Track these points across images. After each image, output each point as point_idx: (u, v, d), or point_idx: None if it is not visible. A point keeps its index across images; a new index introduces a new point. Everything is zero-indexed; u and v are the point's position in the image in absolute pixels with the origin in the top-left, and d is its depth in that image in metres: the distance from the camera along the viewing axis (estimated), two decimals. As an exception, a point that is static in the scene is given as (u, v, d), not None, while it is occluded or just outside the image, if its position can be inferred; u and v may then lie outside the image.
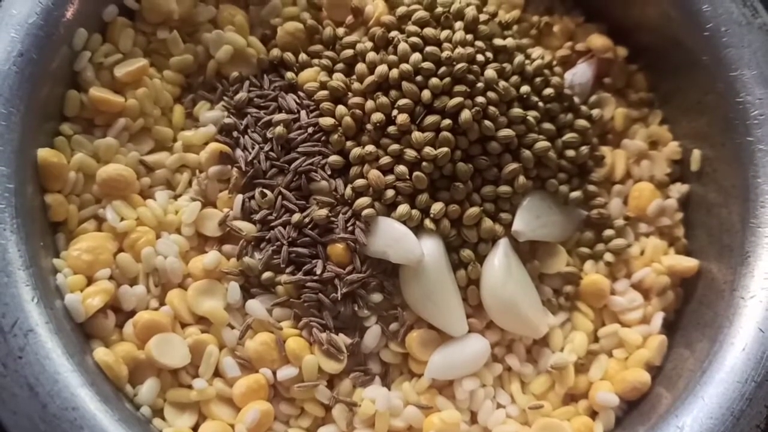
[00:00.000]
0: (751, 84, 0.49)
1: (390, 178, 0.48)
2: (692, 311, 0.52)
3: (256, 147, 0.50)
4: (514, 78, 0.51)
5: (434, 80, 0.48)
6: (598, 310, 0.52)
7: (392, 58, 0.49)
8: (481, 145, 0.49)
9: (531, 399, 0.50)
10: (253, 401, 0.46)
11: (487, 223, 0.49)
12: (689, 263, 0.52)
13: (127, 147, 0.50)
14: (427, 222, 0.48)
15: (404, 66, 0.48)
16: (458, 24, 0.50)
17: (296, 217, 0.48)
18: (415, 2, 0.51)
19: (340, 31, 0.53)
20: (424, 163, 0.48)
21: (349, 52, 0.51)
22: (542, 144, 0.50)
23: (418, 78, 0.48)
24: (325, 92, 0.51)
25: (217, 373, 0.47)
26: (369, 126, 0.49)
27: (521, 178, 0.50)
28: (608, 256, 0.52)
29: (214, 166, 0.50)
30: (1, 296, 0.42)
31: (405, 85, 0.48)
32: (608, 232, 0.53)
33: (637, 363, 0.50)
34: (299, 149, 0.50)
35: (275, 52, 0.53)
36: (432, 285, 0.48)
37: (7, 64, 0.44)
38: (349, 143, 0.50)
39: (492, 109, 0.49)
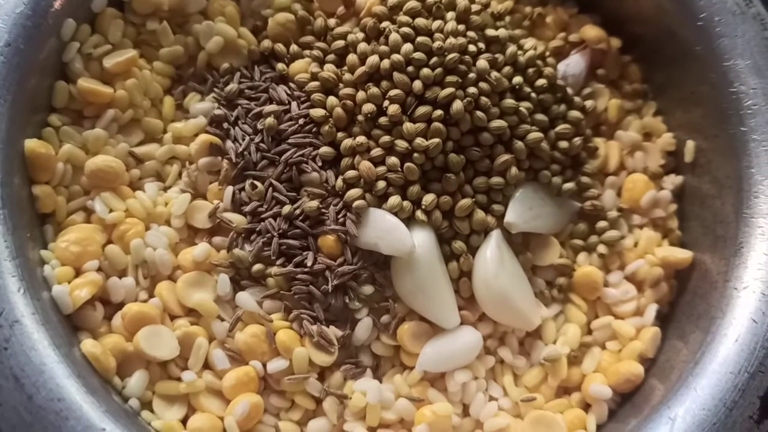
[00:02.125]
0: (745, 74, 0.49)
1: (381, 169, 0.48)
2: (686, 303, 0.51)
3: (247, 138, 0.49)
4: (507, 69, 0.50)
5: (425, 71, 0.48)
6: (591, 302, 0.52)
7: (383, 48, 0.49)
8: (473, 136, 0.49)
9: (523, 391, 0.49)
10: (243, 394, 0.46)
11: (479, 214, 0.49)
12: (683, 255, 0.52)
13: (116, 138, 0.49)
14: (419, 213, 0.48)
15: (395, 56, 0.48)
16: (450, 14, 0.50)
17: (287, 208, 0.48)
18: (406, -8, 0.51)
19: (332, 21, 0.53)
20: (415, 154, 0.48)
21: (340, 42, 0.51)
22: (535, 135, 0.50)
23: (410, 68, 0.48)
24: (316, 83, 0.50)
25: (206, 366, 0.47)
26: (360, 117, 0.49)
27: (513, 170, 0.49)
28: (602, 248, 0.52)
29: (204, 158, 0.50)
30: (-13, 287, 0.41)
31: (396, 75, 0.48)
32: (602, 224, 0.52)
33: (631, 355, 0.50)
34: (290, 140, 0.49)
35: (266, 43, 0.52)
36: (424, 277, 0.47)
37: (-6, 54, 0.44)
38: (340, 134, 0.49)
39: (484, 99, 0.48)
